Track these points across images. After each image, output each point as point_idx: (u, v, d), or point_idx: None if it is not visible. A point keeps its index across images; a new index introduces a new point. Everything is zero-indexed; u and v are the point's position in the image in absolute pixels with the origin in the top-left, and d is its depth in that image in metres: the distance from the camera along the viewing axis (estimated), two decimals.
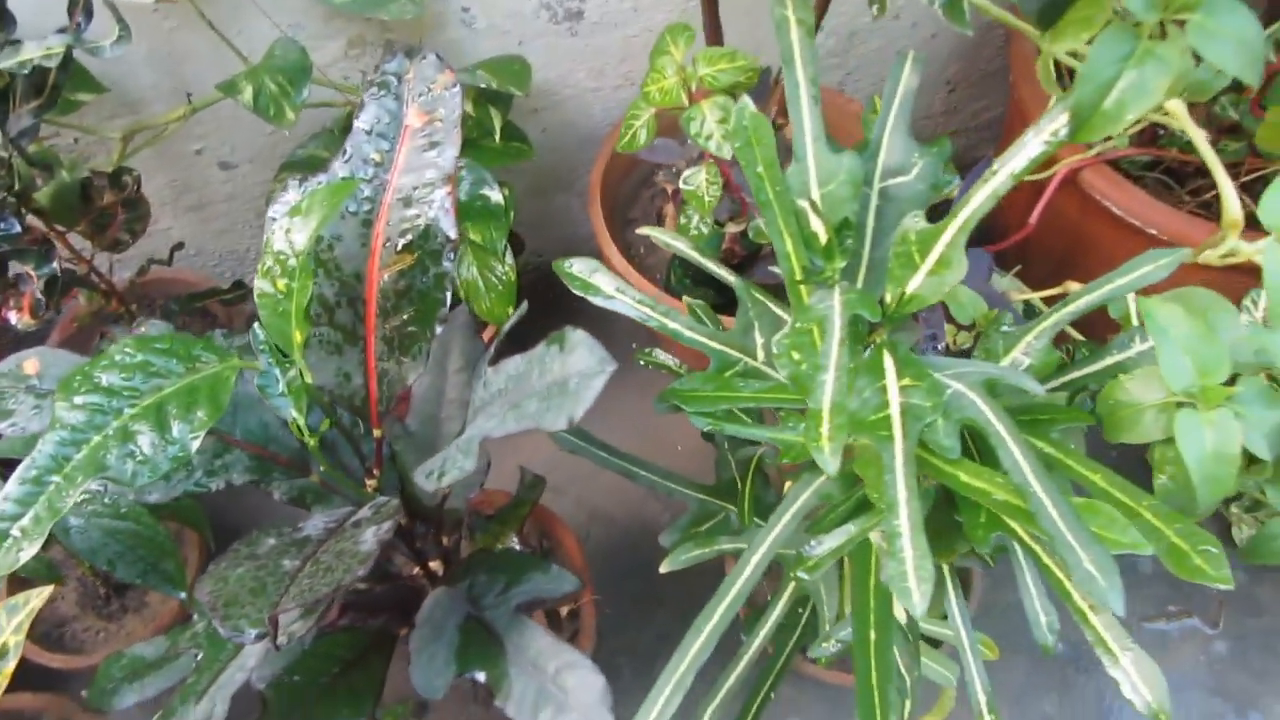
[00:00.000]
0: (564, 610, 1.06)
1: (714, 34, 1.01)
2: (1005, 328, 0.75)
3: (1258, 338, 0.62)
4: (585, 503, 1.32)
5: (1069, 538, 0.55)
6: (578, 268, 0.78)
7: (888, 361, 0.65)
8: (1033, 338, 0.73)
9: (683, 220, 0.98)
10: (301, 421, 0.69)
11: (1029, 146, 0.61)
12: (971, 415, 0.61)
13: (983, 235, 0.95)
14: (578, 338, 0.70)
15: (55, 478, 0.61)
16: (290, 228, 0.68)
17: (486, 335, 1.23)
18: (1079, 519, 0.55)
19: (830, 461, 0.55)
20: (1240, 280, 0.77)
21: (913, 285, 0.66)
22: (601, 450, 0.94)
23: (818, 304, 0.67)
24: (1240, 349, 0.63)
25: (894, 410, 0.62)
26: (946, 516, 0.72)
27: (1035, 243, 1.18)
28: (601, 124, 1.30)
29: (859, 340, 0.69)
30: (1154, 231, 1.03)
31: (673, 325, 0.77)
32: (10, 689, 1.01)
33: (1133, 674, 0.65)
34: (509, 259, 1.15)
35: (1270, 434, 0.62)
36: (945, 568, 0.80)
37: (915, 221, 0.65)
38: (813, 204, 0.69)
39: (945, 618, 0.80)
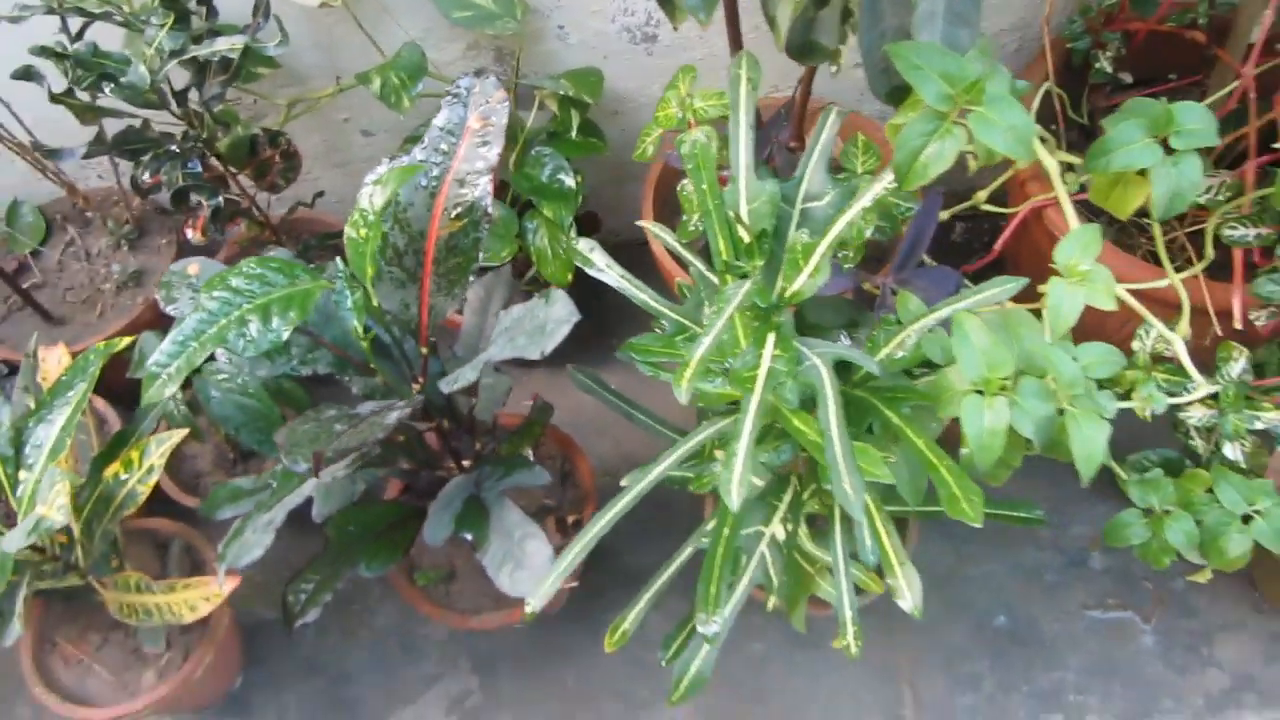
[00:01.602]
0: (571, 519, 1.33)
1: None
2: (889, 327, 0.97)
3: (1042, 350, 0.83)
4: (622, 444, 1.58)
5: (840, 465, 0.77)
6: (582, 245, 1.04)
7: (770, 337, 0.89)
8: (908, 334, 0.95)
9: (684, 218, 1.22)
10: (360, 330, 0.98)
11: (871, 191, 0.83)
12: (811, 379, 0.84)
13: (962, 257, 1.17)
14: (557, 295, 0.96)
15: (193, 344, 0.91)
16: (373, 193, 0.97)
17: None
18: (851, 455, 0.77)
19: (684, 395, 0.79)
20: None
21: (796, 284, 0.89)
22: (606, 392, 1.20)
23: (729, 290, 0.91)
24: (1033, 356, 0.84)
25: (761, 370, 0.85)
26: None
27: (1014, 267, 1.37)
28: None
29: (766, 320, 0.92)
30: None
31: (641, 296, 1.02)
32: (152, 515, 1.35)
33: (903, 582, 0.87)
34: (573, 233, 1.42)
35: (1039, 421, 0.82)
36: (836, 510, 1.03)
37: (800, 235, 0.88)
38: (737, 216, 0.92)
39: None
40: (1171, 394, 1.08)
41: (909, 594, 0.91)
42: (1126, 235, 1.30)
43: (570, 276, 1.43)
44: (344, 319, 1.08)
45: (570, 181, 1.41)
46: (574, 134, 1.42)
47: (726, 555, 0.89)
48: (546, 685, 1.41)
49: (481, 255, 1.03)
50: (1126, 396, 1.03)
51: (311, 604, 1.11)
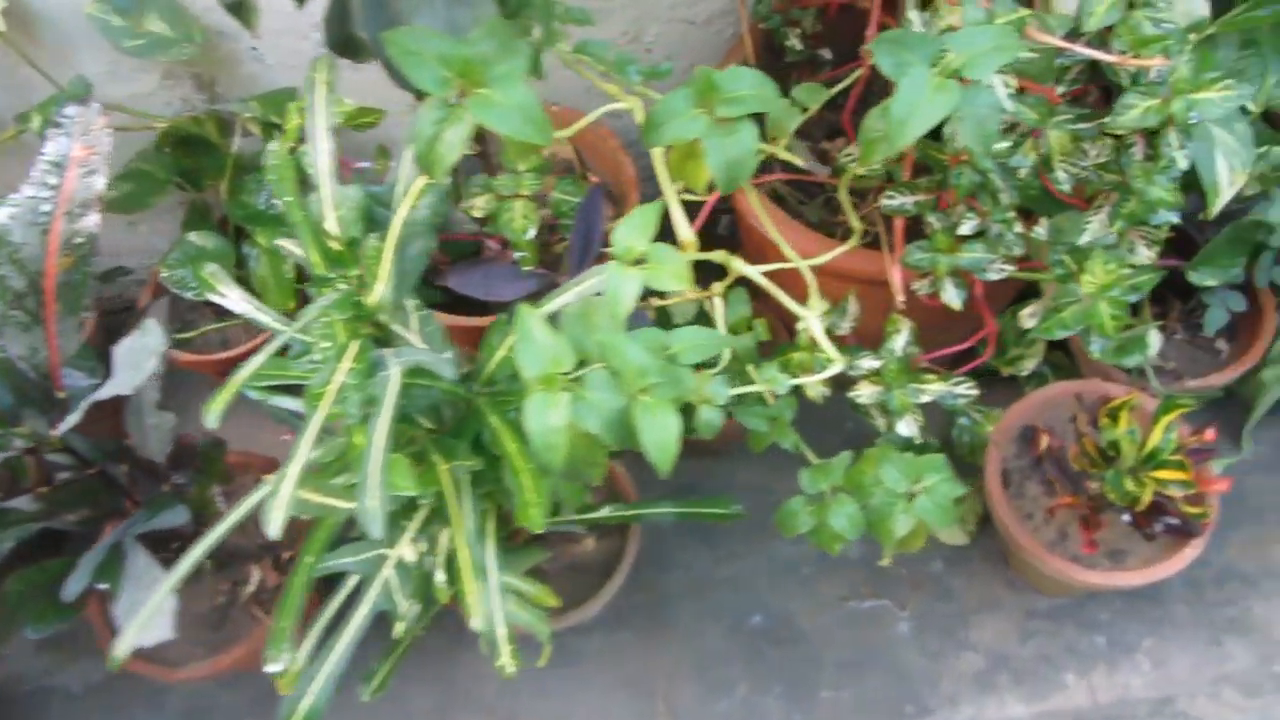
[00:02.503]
0: (287, 555, 1.28)
1: None
2: (502, 329, 0.93)
3: (607, 340, 0.79)
4: None
5: (367, 480, 0.73)
6: (207, 269, 0.99)
7: (352, 347, 0.84)
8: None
9: None
10: None
11: (414, 188, 0.79)
12: (374, 391, 0.80)
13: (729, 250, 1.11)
14: (150, 324, 0.92)
15: None
16: None
17: None
18: (382, 470, 0.73)
19: (212, 418, 0.75)
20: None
21: (376, 293, 0.85)
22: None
23: (321, 301, 0.87)
24: (601, 347, 0.80)
25: (334, 383, 0.81)
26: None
27: (747, 255, 1.34)
28: None
29: (354, 331, 0.88)
30: (790, 245, 1.17)
31: (263, 319, 0.97)
32: None
33: (473, 599, 0.82)
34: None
35: (608, 415, 0.78)
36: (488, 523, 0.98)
37: (371, 240, 0.84)
38: (321, 227, 0.88)
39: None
40: (850, 372, 1.06)
41: (478, 612, 0.85)
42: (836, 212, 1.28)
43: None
44: None
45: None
46: None
47: (302, 587, 0.85)
48: None
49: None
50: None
51: None
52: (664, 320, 1.20)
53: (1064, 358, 1.41)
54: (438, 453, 0.87)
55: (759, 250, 1.31)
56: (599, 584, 1.24)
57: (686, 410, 0.89)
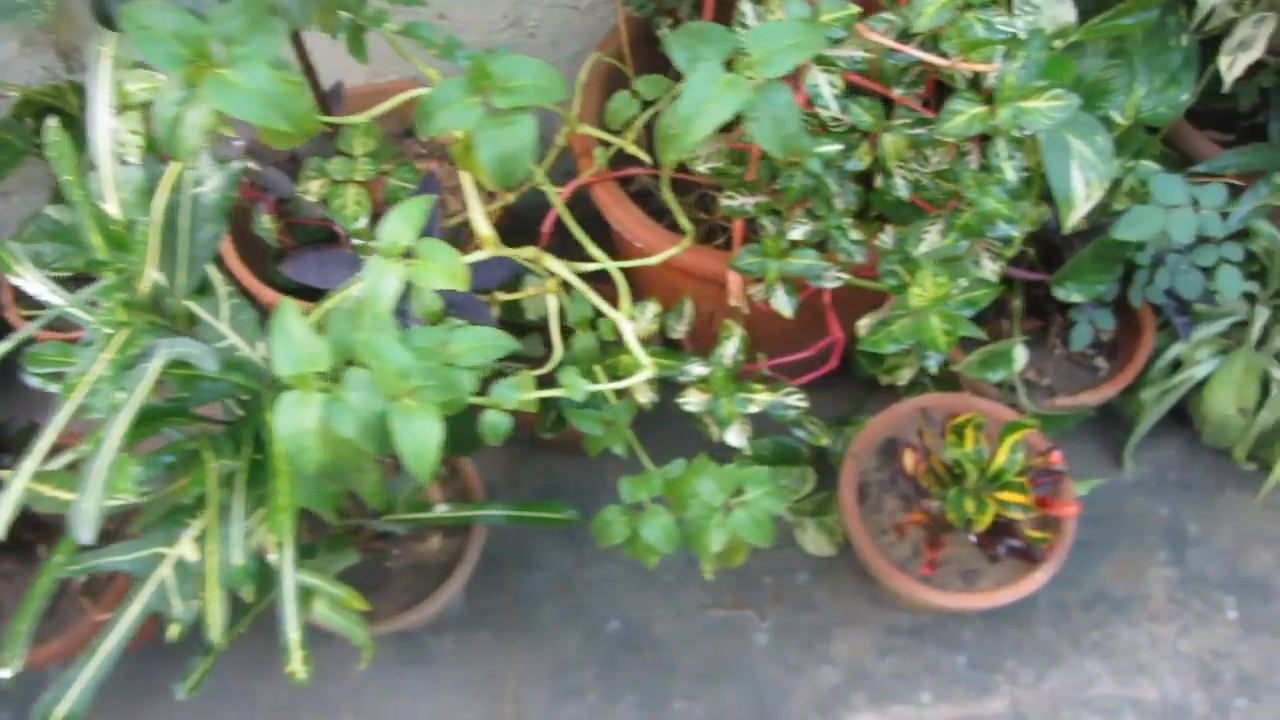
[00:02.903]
0: None
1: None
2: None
3: (367, 339, 0.75)
4: None
5: (88, 481, 0.69)
6: (7, 247, 0.95)
7: (120, 336, 0.80)
8: None
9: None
10: None
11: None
12: (128, 384, 0.76)
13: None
14: None
15: None
16: None
17: None
18: (105, 471, 0.69)
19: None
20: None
21: (147, 275, 0.81)
22: None
23: (96, 286, 0.83)
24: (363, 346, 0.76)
25: (90, 373, 0.77)
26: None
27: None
28: None
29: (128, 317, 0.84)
30: (640, 244, 1.13)
31: (59, 302, 0.93)
32: None
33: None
34: None
35: (366, 419, 0.74)
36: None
37: (141, 223, 0.80)
38: (98, 210, 0.84)
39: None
40: (679, 379, 1.02)
41: (216, 624, 0.81)
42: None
43: None
44: None
45: None
46: None
47: (44, 588, 0.81)
48: None
49: None
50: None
51: None
52: (515, 314, 1.16)
53: (945, 368, 1.38)
54: (210, 449, 0.84)
55: (627, 248, 1.27)
56: (443, 584, 1.21)
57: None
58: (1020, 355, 1.19)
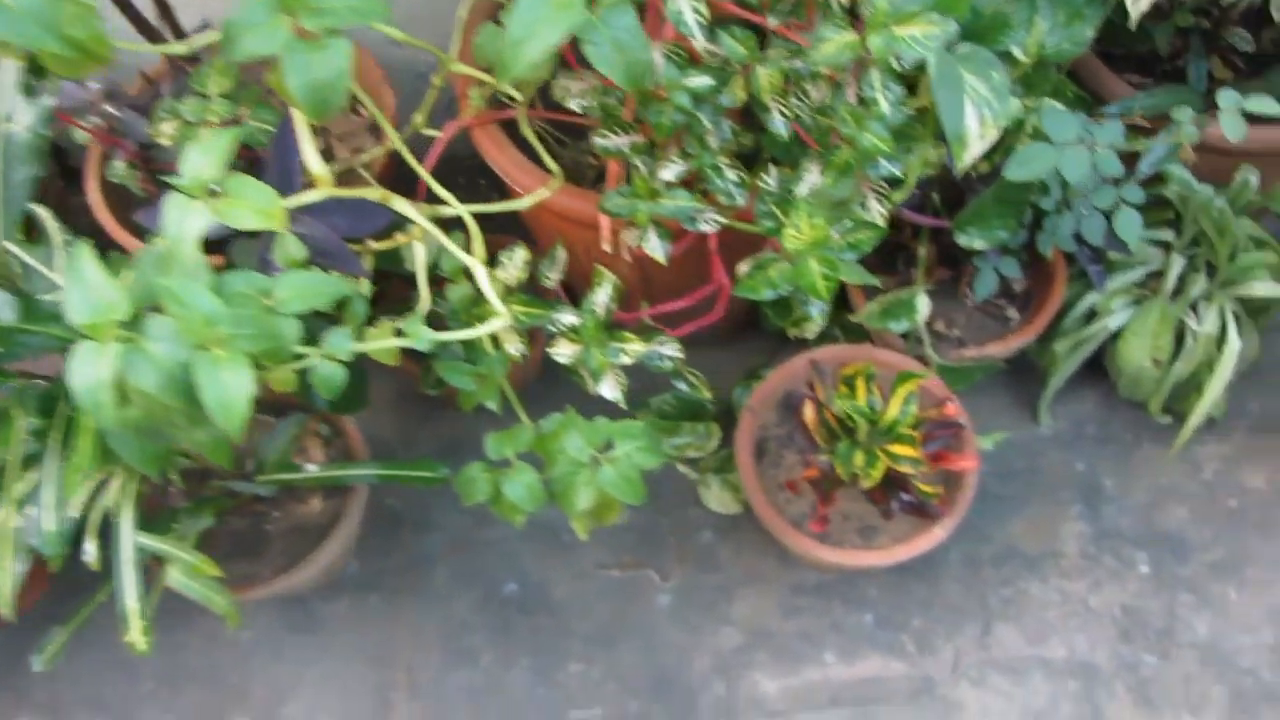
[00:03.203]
0: None
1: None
2: None
3: (172, 285, 0.69)
4: None
5: None
6: None
7: None
8: None
9: None
10: None
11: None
12: None
13: None
14: None
15: None
16: None
17: None
18: None
19: None
20: None
21: None
22: None
23: None
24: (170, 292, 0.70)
25: None
26: None
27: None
28: None
29: None
30: (519, 188, 1.07)
31: None
32: None
33: None
34: None
35: (168, 370, 0.68)
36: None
37: None
38: None
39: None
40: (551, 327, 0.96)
41: (8, 601, 0.76)
42: None
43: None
44: None
45: None
46: None
47: None
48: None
49: None
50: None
51: None
52: (393, 261, 1.10)
53: (853, 321, 1.33)
54: (19, 407, 0.78)
55: (512, 193, 1.21)
56: (320, 546, 1.15)
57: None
58: (923, 304, 1.14)
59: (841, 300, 1.26)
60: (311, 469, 1.07)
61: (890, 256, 1.29)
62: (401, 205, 0.85)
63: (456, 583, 1.30)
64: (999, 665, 1.23)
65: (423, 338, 0.85)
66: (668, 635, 1.26)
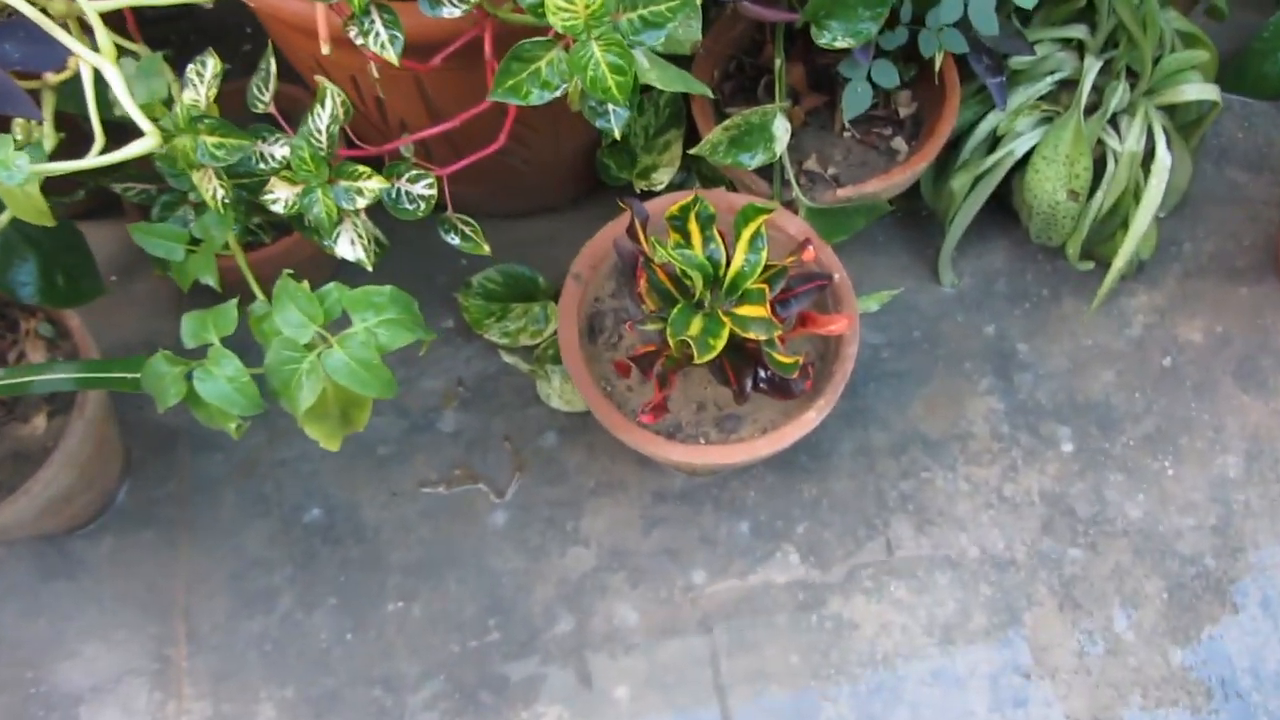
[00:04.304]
0: None
1: None
2: None
3: None
4: None
5: None
6: None
7: None
8: None
9: None
10: None
11: None
12: None
13: None
14: None
15: None
16: None
17: None
18: None
19: None
20: None
21: None
22: None
23: None
24: None
25: None
26: None
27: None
28: None
29: None
30: (286, 18, 0.81)
31: None
32: None
33: None
34: None
35: None
36: None
37: None
38: None
39: None
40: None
41: None
42: None
43: None
44: None
45: None
46: None
47: None
48: None
49: None
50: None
51: None
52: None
53: (711, 167, 1.09)
54: None
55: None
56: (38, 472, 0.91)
57: None
58: (781, 128, 0.91)
59: (693, 138, 1.02)
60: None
61: (752, 83, 1.05)
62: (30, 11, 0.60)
63: (246, 511, 1.07)
64: (899, 572, 1.03)
65: (20, 174, 0.60)
66: (504, 561, 1.04)
